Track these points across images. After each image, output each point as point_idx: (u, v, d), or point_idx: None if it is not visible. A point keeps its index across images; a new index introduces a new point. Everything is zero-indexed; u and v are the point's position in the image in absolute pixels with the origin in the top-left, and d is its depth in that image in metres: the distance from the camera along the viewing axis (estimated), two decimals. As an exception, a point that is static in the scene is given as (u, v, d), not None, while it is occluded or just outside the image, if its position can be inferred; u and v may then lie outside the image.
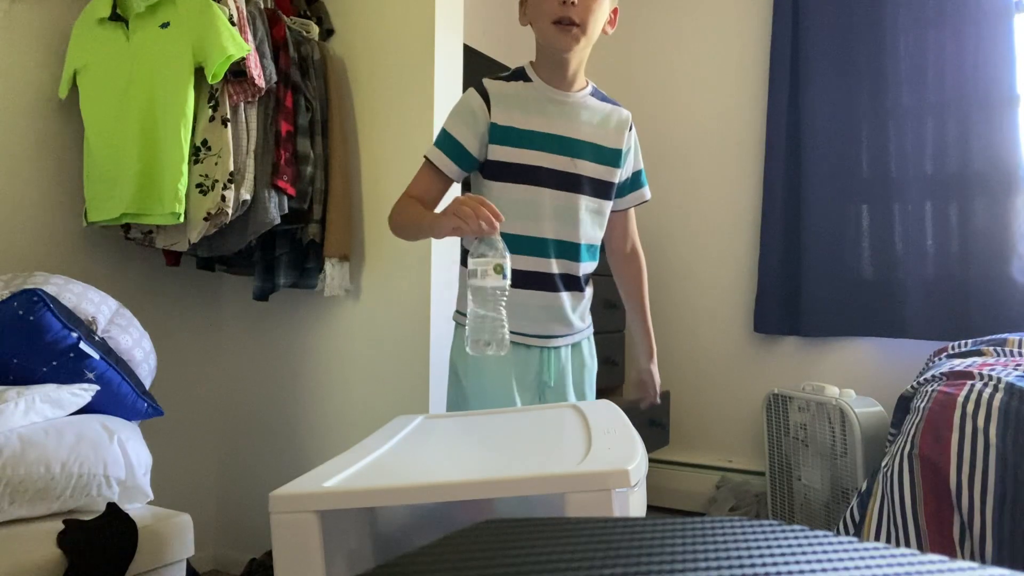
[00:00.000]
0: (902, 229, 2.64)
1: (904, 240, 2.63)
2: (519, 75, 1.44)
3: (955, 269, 2.54)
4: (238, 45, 1.73)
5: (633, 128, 1.53)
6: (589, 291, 1.53)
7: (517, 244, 1.32)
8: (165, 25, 1.76)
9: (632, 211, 1.61)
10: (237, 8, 1.79)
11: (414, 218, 1.38)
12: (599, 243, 1.51)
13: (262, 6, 1.93)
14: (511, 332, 1.28)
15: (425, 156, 1.43)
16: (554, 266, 1.43)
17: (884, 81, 2.67)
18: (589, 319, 1.56)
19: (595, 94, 1.49)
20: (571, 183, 1.42)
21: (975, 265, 2.50)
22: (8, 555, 1.12)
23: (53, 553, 1.16)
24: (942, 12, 2.58)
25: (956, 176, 2.55)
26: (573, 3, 1.31)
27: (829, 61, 2.77)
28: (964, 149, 2.53)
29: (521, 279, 1.34)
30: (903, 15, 2.64)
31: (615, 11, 1.43)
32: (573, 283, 1.46)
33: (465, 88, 2.05)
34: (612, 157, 1.47)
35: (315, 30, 2.07)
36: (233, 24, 1.75)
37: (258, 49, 1.82)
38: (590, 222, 1.46)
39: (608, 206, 1.50)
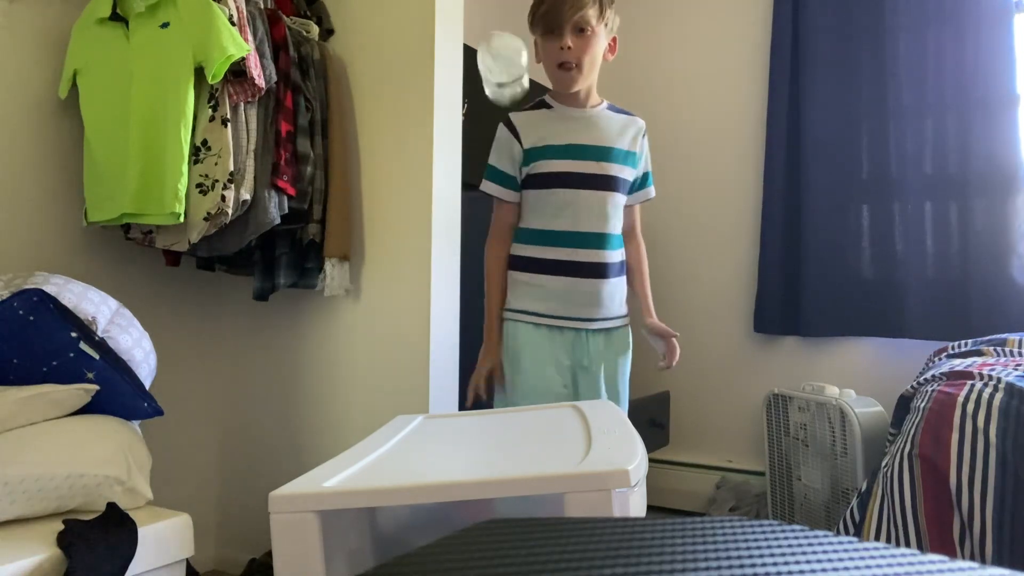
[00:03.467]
0: (902, 229, 2.64)
1: (904, 240, 2.63)
2: (541, 104, 1.70)
3: (955, 269, 2.54)
4: (238, 45, 1.72)
5: (646, 136, 1.77)
6: (623, 279, 1.72)
7: (557, 239, 1.62)
8: (165, 25, 1.76)
9: (638, 206, 1.81)
10: (237, 8, 1.79)
11: (488, 293, 1.71)
12: (620, 232, 1.72)
13: (262, 6, 1.93)
14: (550, 316, 1.62)
15: (485, 192, 1.69)
16: (590, 255, 1.65)
17: (884, 81, 2.66)
18: (626, 308, 1.73)
19: (611, 108, 1.73)
20: (600, 183, 1.65)
21: (975, 265, 2.49)
22: (8, 555, 1.12)
23: (53, 553, 1.16)
24: (942, 12, 2.58)
25: (956, 176, 2.54)
26: (569, 47, 1.56)
27: (829, 61, 2.77)
28: (964, 149, 2.53)
29: (562, 268, 1.62)
30: (903, 15, 2.64)
31: (614, 40, 1.66)
32: (608, 270, 1.67)
33: (466, 94, 2.09)
34: (629, 159, 1.71)
35: (315, 30, 2.06)
36: (233, 24, 1.75)
37: (258, 49, 1.82)
38: (615, 214, 1.68)
39: (624, 200, 1.72)
